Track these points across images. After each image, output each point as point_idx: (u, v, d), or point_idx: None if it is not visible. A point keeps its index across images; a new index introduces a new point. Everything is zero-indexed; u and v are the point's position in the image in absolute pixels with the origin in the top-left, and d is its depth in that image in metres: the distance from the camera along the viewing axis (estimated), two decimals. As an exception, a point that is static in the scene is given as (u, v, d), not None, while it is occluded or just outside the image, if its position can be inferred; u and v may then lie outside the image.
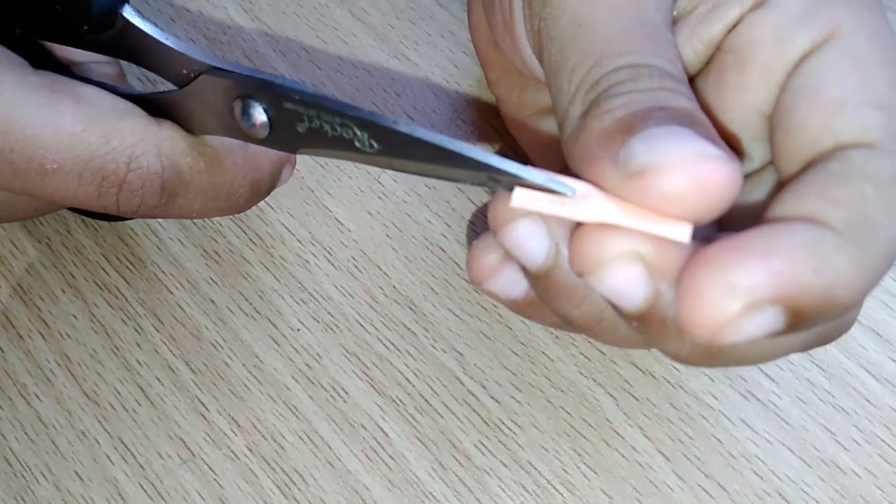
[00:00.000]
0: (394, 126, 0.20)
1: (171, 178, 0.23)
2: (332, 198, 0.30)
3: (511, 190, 0.19)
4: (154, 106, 0.24)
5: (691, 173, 0.17)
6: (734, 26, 0.21)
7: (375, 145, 0.20)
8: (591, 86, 0.19)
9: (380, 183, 0.30)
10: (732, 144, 0.22)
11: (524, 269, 0.21)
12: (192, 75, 0.23)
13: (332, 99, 0.21)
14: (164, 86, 0.24)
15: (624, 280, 0.18)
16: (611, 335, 0.21)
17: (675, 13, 0.22)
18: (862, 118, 0.19)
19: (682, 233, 0.18)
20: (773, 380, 0.27)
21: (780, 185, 0.20)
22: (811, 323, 0.18)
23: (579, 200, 0.18)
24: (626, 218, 0.18)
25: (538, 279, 0.20)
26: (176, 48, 0.23)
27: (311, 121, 0.21)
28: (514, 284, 0.22)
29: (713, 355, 0.19)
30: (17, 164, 0.22)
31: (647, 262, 0.18)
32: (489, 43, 0.28)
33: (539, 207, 0.19)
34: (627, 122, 0.18)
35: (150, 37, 0.23)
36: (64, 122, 0.22)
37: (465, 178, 0.20)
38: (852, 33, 0.19)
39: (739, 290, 0.17)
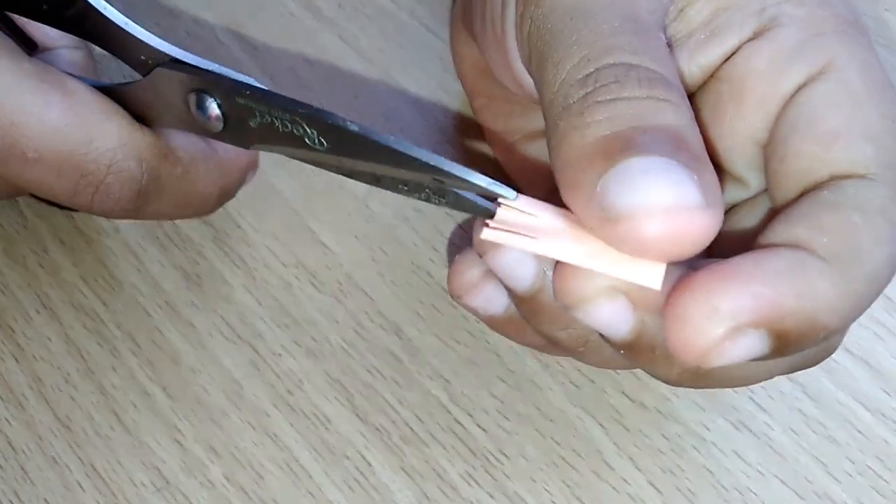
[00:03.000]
0: (341, 124, 0.20)
1: (148, 184, 0.23)
2: (318, 220, 0.30)
3: (448, 197, 0.19)
4: (115, 97, 0.23)
5: (667, 225, 0.17)
6: (731, 55, 0.21)
7: (325, 143, 0.20)
8: (579, 81, 0.19)
9: (367, 206, 0.30)
10: (718, 165, 0.22)
11: (509, 291, 0.21)
12: (150, 62, 0.23)
13: (281, 95, 0.20)
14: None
15: (608, 314, 0.18)
16: (596, 357, 0.21)
17: (671, 35, 0.22)
18: (854, 150, 0.19)
19: (655, 277, 0.18)
20: (765, 410, 0.26)
21: (774, 213, 0.20)
22: (796, 346, 0.18)
23: (552, 236, 0.18)
24: (597, 260, 0.18)
25: (524, 301, 0.20)
26: (136, 35, 0.22)
27: (263, 116, 0.21)
28: (495, 301, 0.22)
29: (701, 377, 0.19)
30: (0, 148, 0.21)
31: (629, 296, 0.18)
32: (474, 70, 0.28)
33: (509, 242, 0.19)
34: (608, 144, 0.18)
35: (111, 21, 0.23)
36: (51, 115, 0.22)
37: (411, 179, 0.19)
38: (845, 67, 0.20)
39: (722, 315, 0.17)
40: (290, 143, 0.21)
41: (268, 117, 0.21)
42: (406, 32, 0.33)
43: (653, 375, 0.20)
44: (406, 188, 0.20)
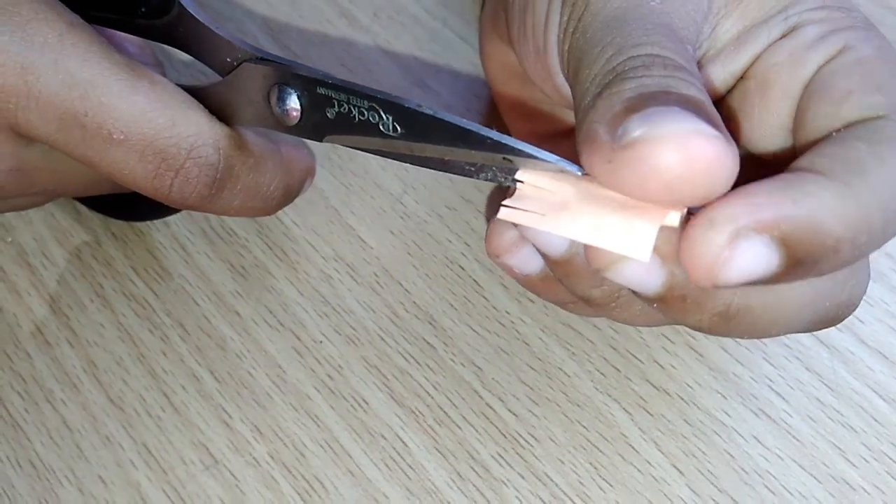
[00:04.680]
0: (418, 108, 0.21)
1: (224, 172, 0.25)
2: (356, 217, 0.31)
3: (518, 181, 0.21)
4: (194, 96, 0.25)
5: (681, 147, 0.17)
6: (757, 58, 0.23)
7: (399, 128, 0.22)
8: (609, 72, 0.20)
9: (402, 203, 0.31)
10: (753, 157, 0.23)
11: (543, 255, 0.22)
12: (234, 63, 0.24)
13: (361, 85, 0.22)
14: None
15: (640, 272, 0.19)
16: (626, 312, 0.22)
17: (705, 53, 0.23)
18: (865, 100, 0.20)
19: (643, 250, 0.18)
20: (784, 398, 0.28)
21: None
22: (808, 261, 0.18)
23: (568, 211, 0.20)
24: (594, 234, 0.19)
25: (557, 265, 0.21)
26: (225, 37, 0.24)
27: (341, 105, 0.22)
28: (530, 262, 0.23)
29: (731, 321, 0.20)
30: (88, 128, 0.23)
31: (658, 251, 0.19)
32: (503, 71, 0.30)
33: (523, 222, 0.20)
34: (632, 103, 0.19)
35: (203, 25, 0.25)
36: (138, 99, 0.23)
37: (481, 160, 0.21)
38: (860, 47, 0.21)
39: (719, 222, 0.17)
40: (364, 131, 0.22)
41: (346, 106, 0.22)
42: (439, 41, 0.35)
43: (685, 325, 0.21)
44: (473, 169, 0.21)
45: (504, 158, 0.20)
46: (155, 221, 0.31)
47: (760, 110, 0.23)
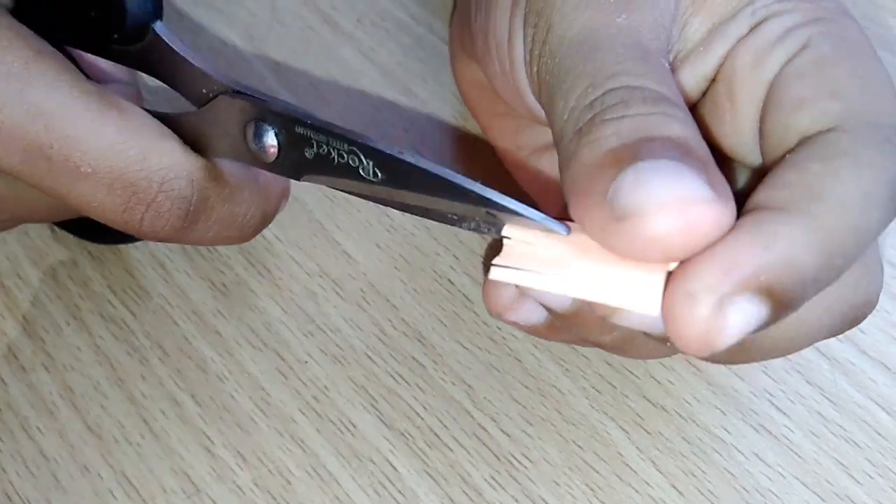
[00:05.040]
0: (399, 156, 0.20)
1: (198, 204, 0.24)
2: (341, 231, 0.30)
3: (501, 234, 0.20)
4: (167, 125, 0.24)
5: (679, 217, 0.17)
6: (726, 57, 0.22)
7: (379, 174, 0.21)
8: (585, 107, 0.19)
9: (388, 216, 0.30)
10: (730, 162, 0.22)
11: (547, 309, 0.21)
12: (210, 95, 0.23)
13: (341, 127, 0.21)
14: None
15: (652, 315, 0.18)
16: (639, 350, 0.21)
17: (675, 55, 0.22)
18: (818, 109, 0.19)
19: (653, 304, 0.18)
20: (785, 413, 0.27)
21: None
22: (794, 298, 0.18)
23: (561, 266, 0.19)
24: (598, 291, 0.18)
25: (565, 318, 0.21)
26: (201, 67, 0.23)
27: (320, 146, 0.21)
28: (533, 314, 0.22)
29: (749, 350, 0.20)
30: (54, 160, 0.22)
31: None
32: (476, 89, 0.29)
33: (517, 281, 0.19)
34: (617, 154, 0.18)
35: (177, 54, 0.24)
36: (107, 130, 0.22)
37: (463, 212, 0.20)
38: (819, 42, 0.20)
39: (698, 295, 0.17)
40: (343, 174, 0.21)
41: (325, 147, 0.21)
42: (424, 46, 0.34)
43: (704, 359, 0.20)
44: (455, 218, 0.20)
45: (488, 213, 0.19)
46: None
47: (730, 115, 0.22)
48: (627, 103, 0.19)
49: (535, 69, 0.21)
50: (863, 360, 0.27)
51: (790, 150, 0.19)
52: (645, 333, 0.20)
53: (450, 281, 0.29)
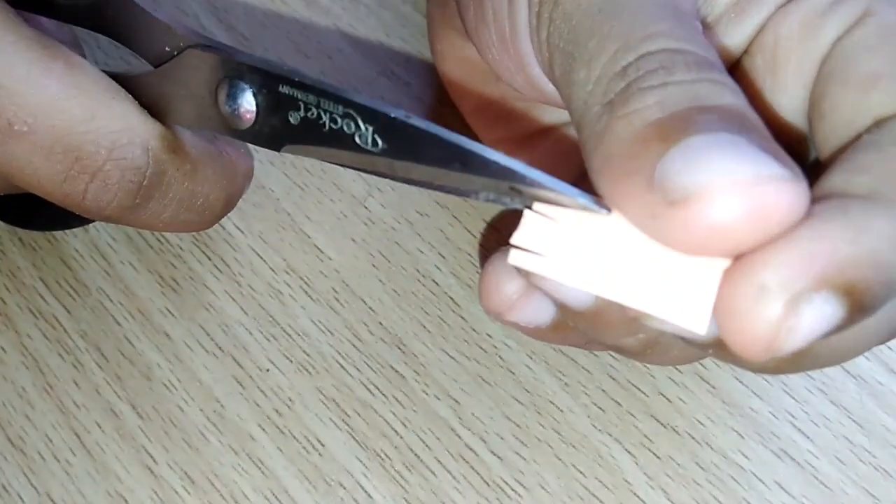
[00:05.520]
0: (406, 119, 0.17)
1: (152, 178, 0.21)
2: (312, 222, 0.27)
3: (529, 206, 0.17)
4: (123, 85, 0.21)
5: (751, 200, 0.14)
6: (762, 27, 0.19)
7: (380, 142, 0.17)
8: (617, 73, 0.16)
9: (366, 207, 0.27)
10: (795, 145, 0.19)
11: (562, 306, 0.18)
12: (174, 53, 0.20)
13: (336, 86, 0.18)
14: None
15: None
16: (664, 357, 0.18)
17: (700, 21, 0.20)
18: None
19: (699, 318, 0.15)
20: (809, 437, 0.24)
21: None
22: (875, 298, 0.15)
23: (587, 260, 0.16)
24: (643, 297, 0.15)
25: (584, 317, 0.17)
26: (165, 21, 0.20)
27: (309, 109, 0.18)
28: (541, 312, 0.19)
29: (803, 357, 0.17)
30: None
31: None
32: (462, 70, 0.26)
33: (539, 270, 0.16)
34: (663, 126, 0.15)
35: (135, 6, 0.20)
36: (49, 83, 0.19)
37: (481, 187, 0.17)
38: (883, 11, 0.18)
39: (772, 289, 0.14)
40: (335, 142, 0.18)
41: (314, 110, 0.18)
42: (408, 24, 0.31)
43: (743, 367, 0.17)
44: (470, 191, 0.17)
45: (511, 188, 0.16)
46: (71, 225, 0.26)
47: (772, 92, 0.19)
48: (669, 69, 0.16)
49: (545, 34, 0.18)
50: (892, 380, 0.25)
51: (866, 131, 0.17)
52: (683, 339, 0.16)
53: (434, 281, 0.26)
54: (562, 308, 0.18)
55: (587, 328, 0.18)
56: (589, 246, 0.16)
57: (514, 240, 0.16)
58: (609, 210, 0.16)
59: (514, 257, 0.16)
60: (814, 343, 0.15)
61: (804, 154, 0.20)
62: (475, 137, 0.27)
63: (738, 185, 0.14)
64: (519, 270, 0.17)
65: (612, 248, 0.16)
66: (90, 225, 0.26)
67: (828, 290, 0.14)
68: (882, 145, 0.16)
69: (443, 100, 0.29)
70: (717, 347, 0.16)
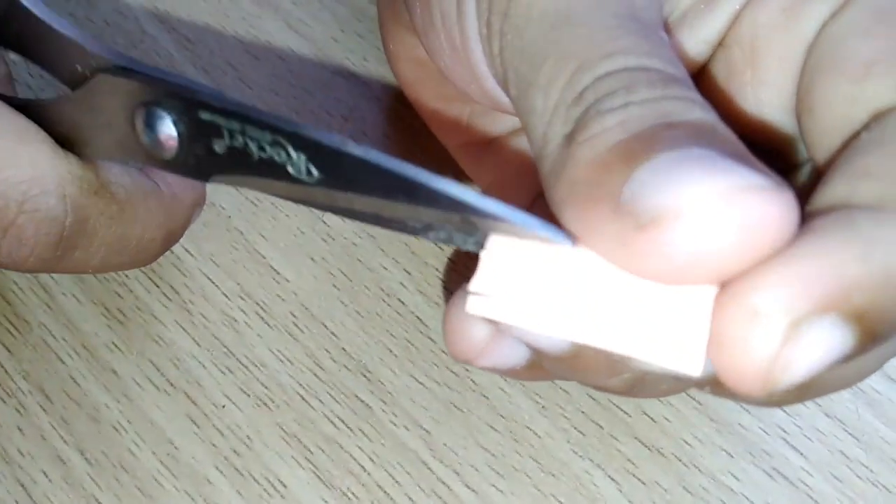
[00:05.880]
0: (342, 147, 0.15)
1: (73, 226, 0.19)
2: (266, 241, 0.25)
3: (481, 246, 0.15)
4: (35, 115, 0.19)
5: (729, 213, 0.12)
6: (738, 16, 0.18)
7: (315, 173, 0.16)
8: (575, 99, 0.15)
9: (324, 222, 0.25)
10: (781, 145, 0.18)
11: (536, 351, 0.16)
12: (87, 73, 0.18)
13: (261, 110, 0.16)
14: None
15: None
16: (651, 392, 0.17)
17: (668, 19, 0.18)
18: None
19: (694, 363, 0.13)
20: (802, 454, 0.22)
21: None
22: (891, 327, 0.13)
23: (558, 303, 0.14)
24: (626, 341, 0.14)
25: (561, 361, 0.16)
26: (70, 37, 0.18)
27: (234, 137, 0.16)
28: (515, 354, 0.17)
29: (809, 389, 0.15)
30: None
31: None
32: (417, 70, 0.24)
33: (501, 316, 0.14)
34: (627, 147, 0.14)
35: (41, 22, 0.18)
36: None
37: (430, 219, 0.15)
38: None
39: (768, 313, 0.12)
40: (267, 172, 0.16)
41: (240, 138, 0.16)
42: (364, 19, 0.29)
43: (746, 402, 0.16)
44: (419, 227, 0.15)
45: (463, 220, 0.14)
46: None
47: (753, 87, 0.18)
48: (631, 88, 0.14)
49: (497, 48, 0.17)
50: (889, 388, 0.23)
51: (865, 128, 0.15)
52: (674, 377, 0.15)
53: (400, 300, 0.24)
54: (536, 353, 0.16)
55: (566, 372, 0.16)
56: (558, 285, 0.14)
57: (471, 286, 0.15)
58: (573, 241, 0.14)
59: (472, 305, 0.15)
60: (818, 376, 0.13)
61: (791, 156, 0.18)
62: (436, 143, 0.25)
63: (713, 198, 0.12)
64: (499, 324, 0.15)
65: (584, 287, 0.14)
66: (28, 254, 0.24)
67: (834, 315, 0.13)
68: (886, 144, 0.14)
69: (404, 100, 0.27)
70: (712, 384, 0.15)
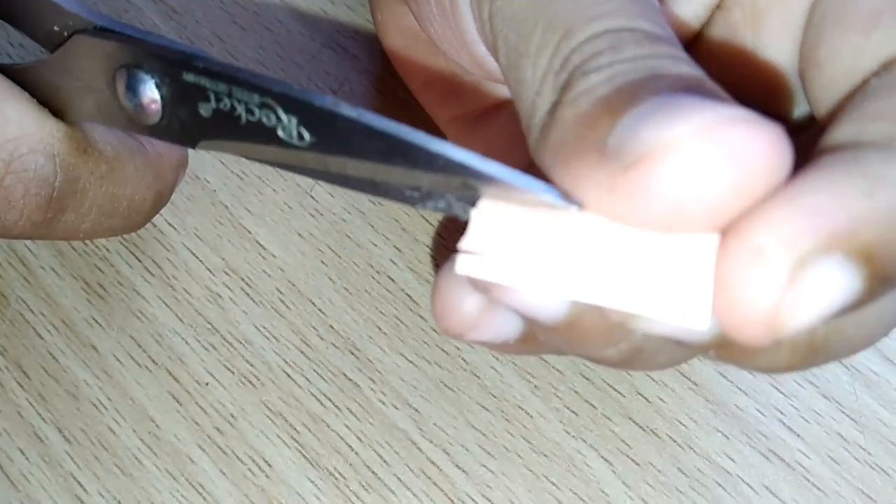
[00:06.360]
0: (335, 108, 0.14)
1: (63, 187, 0.18)
2: (252, 216, 0.24)
3: (476, 204, 0.14)
4: (16, 80, 0.18)
5: (718, 141, 0.12)
6: None
7: (307, 136, 0.15)
8: (561, 65, 0.14)
9: (312, 197, 0.25)
10: (784, 105, 0.17)
11: (530, 321, 0.15)
12: (65, 35, 0.17)
13: (249, 71, 0.15)
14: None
15: None
16: (650, 363, 0.16)
17: None
18: None
19: (701, 317, 0.13)
20: (799, 435, 0.22)
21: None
22: None
23: (552, 260, 0.14)
24: (627, 296, 0.13)
25: (557, 331, 0.15)
26: None
27: (220, 100, 0.15)
28: (507, 326, 0.16)
29: (819, 349, 0.15)
30: None
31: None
32: (406, 41, 0.23)
33: (492, 275, 0.14)
34: (612, 100, 0.13)
35: None
36: None
37: (428, 185, 0.14)
38: None
39: (771, 251, 0.12)
40: (255, 137, 0.15)
41: (226, 101, 0.15)
42: (355, -10, 0.28)
43: (754, 369, 0.15)
44: (417, 195, 0.15)
45: (464, 184, 0.14)
46: (-17, 228, 0.24)
47: (756, 50, 0.18)
48: (616, 48, 0.14)
49: (487, 13, 0.16)
50: (888, 369, 0.23)
51: (874, 75, 0.14)
52: (676, 341, 0.14)
53: (389, 277, 0.24)
54: (530, 324, 0.16)
55: (562, 343, 0.16)
56: (554, 246, 0.14)
57: (463, 244, 0.14)
58: (580, 206, 0.14)
59: (462, 265, 0.14)
60: (827, 320, 0.12)
61: (789, 119, 0.18)
62: (426, 117, 0.24)
63: (698, 130, 0.12)
64: (473, 282, 0.15)
65: (583, 247, 0.13)
66: (5, 227, 0.24)
67: (841, 254, 0.12)
68: (892, 87, 0.14)
69: (394, 73, 0.26)
70: (719, 347, 0.14)
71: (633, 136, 0.12)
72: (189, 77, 0.16)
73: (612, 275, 0.13)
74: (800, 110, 0.18)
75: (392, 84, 0.26)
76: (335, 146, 0.15)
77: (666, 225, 0.12)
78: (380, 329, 0.23)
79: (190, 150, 0.23)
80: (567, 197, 0.13)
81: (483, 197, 0.14)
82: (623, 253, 0.13)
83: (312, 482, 0.21)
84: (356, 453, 0.21)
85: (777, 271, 0.12)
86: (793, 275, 0.12)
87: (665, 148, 0.12)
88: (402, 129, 0.14)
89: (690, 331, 0.13)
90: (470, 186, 0.14)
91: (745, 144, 0.12)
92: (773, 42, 0.17)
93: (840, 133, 0.14)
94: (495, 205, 0.14)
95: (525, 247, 0.14)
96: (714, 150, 0.12)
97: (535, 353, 0.20)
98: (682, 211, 0.12)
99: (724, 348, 0.14)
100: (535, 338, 0.17)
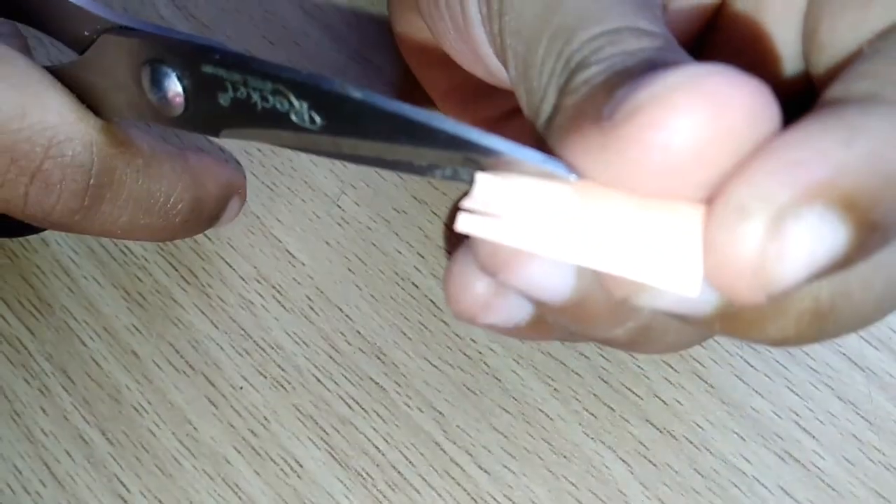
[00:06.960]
0: (342, 91, 0.15)
1: (100, 175, 0.19)
2: (282, 225, 0.25)
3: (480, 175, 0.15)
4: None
5: (700, 92, 0.12)
6: None
7: (318, 120, 0.16)
8: (563, 67, 0.15)
9: (339, 207, 0.25)
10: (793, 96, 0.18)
11: (539, 304, 0.16)
12: (93, 37, 0.18)
13: (260, 59, 0.16)
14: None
15: None
16: (657, 345, 0.16)
17: None
18: None
19: (691, 282, 0.13)
20: (814, 437, 0.23)
21: None
22: (886, 218, 0.13)
23: (551, 225, 0.14)
24: (620, 260, 0.13)
25: (564, 311, 0.16)
26: (75, 2, 0.18)
27: (237, 89, 0.16)
28: (517, 310, 0.17)
29: (826, 316, 0.14)
30: None
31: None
32: (425, 53, 0.24)
33: (494, 234, 0.14)
34: (609, 81, 0.14)
35: None
36: None
37: (434, 159, 0.15)
38: None
39: (751, 204, 0.12)
40: (271, 122, 0.16)
41: (243, 90, 0.16)
42: (379, 4, 0.29)
43: (761, 342, 0.15)
44: (424, 166, 0.15)
45: (467, 158, 0.15)
46: (29, 239, 0.25)
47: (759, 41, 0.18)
48: (615, 42, 0.14)
49: (496, 28, 0.17)
50: (903, 371, 0.23)
51: (866, 43, 0.15)
52: (680, 317, 0.15)
53: (414, 284, 0.24)
54: (539, 305, 0.16)
55: (570, 323, 0.16)
56: (552, 211, 0.14)
57: (464, 204, 0.15)
58: (578, 175, 0.14)
59: (463, 222, 0.14)
60: (822, 275, 0.13)
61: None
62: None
63: (685, 81, 0.12)
64: (482, 265, 0.15)
65: (579, 214, 0.14)
66: (49, 237, 0.25)
67: (822, 204, 0.12)
68: (882, 51, 0.14)
69: (418, 85, 0.27)
70: (721, 320, 0.14)
71: (625, 100, 0.13)
72: (207, 69, 0.17)
73: (606, 240, 0.14)
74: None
75: (416, 96, 0.27)
76: (345, 128, 0.15)
77: (656, 183, 0.13)
78: (405, 334, 0.24)
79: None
80: (567, 167, 0.14)
81: (486, 170, 0.15)
82: (618, 220, 0.14)
83: (341, 482, 0.22)
84: (383, 454, 0.22)
85: (755, 226, 0.12)
86: (774, 228, 0.12)
87: (650, 100, 0.12)
88: (406, 108, 0.15)
89: (690, 303, 0.13)
90: (472, 160, 0.15)
91: (725, 91, 0.12)
92: (778, 29, 0.17)
93: (828, 93, 0.14)
94: (497, 175, 0.15)
95: (524, 211, 0.14)
96: (695, 99, 0.12)
97: (547, 339, 0.20)
98: (669, 165, 0.12)
99: (727, 320, 0.14)
100: (545, 322, 0.17)
